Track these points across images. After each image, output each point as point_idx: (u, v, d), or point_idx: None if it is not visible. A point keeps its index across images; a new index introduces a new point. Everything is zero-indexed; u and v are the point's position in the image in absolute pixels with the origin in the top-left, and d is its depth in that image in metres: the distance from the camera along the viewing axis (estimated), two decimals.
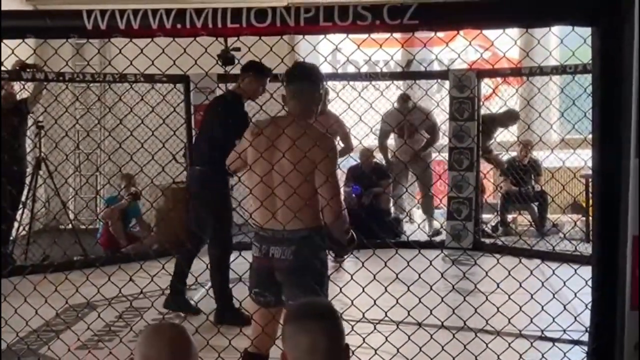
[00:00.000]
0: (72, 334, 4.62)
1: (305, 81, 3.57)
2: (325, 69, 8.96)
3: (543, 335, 4.28)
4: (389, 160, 8.99)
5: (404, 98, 8.66)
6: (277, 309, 3.54)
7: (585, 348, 3.08)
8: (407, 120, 8.24)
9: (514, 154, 8.98)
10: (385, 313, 4.05)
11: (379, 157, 9.09)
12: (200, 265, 6.17)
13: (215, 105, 5.98)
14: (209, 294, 5.19)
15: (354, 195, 8.73)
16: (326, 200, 3.38)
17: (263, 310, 3.57)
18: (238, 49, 7.21)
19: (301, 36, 3.79)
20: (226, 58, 7.70)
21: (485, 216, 9.05)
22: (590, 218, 7.62)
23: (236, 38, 4.16)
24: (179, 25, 2.89)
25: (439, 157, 8.77)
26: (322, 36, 3.17)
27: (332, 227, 3.49)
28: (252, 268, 3.56)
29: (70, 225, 8.15)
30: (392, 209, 9.01)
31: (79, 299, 4.63)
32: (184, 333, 2.18)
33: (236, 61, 7.51)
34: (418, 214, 9.60)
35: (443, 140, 8.80)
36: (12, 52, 3.33)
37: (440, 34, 3.71)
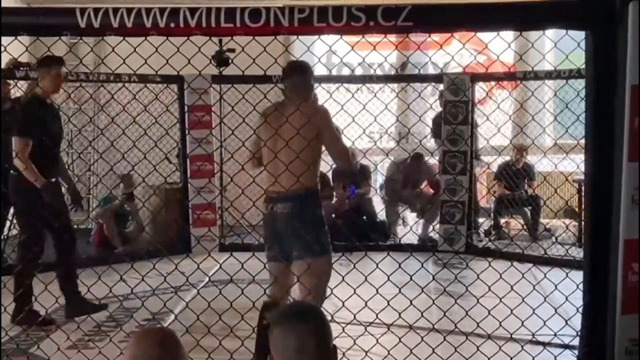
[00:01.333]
0: (62, 334, 4.60)
1: (296, 74, 4.26)
2: (319, 70, 8.97)
3: (534, 339, 4.28)
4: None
5: (417, 157, 8.73)
6: (286, 265, 4.11)
7: (576, 352, 3.08)
8: (415, 177, 8.38)
9: (507, 158, 8.98)
10: (376, 315, 4.05)
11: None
12: (192, 267, 6.16)
13: (14, 110, 6.18)
14: (200, 295, 5.16)
15: (352, 196, 8.75)
16: (337, 153, 4.26)
17: (275, 264, 4.14)
18: (232, 50, 7.20)
19: (295, 37, 3.79)
20: (220, 59, 7.70)
21: (478, 220, 9.05)
22: (583, 222, 7.63)
23: (230, 38, 4.15)
24: (172, 24, 2.88)
25: (432, 160, 8.79)
26: (316, 37, 3.17)
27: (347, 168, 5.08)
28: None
29: None
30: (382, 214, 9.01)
31: None
32: (173, 335, 2.18)
33: (230, 62, 7.52)
34: (411, 217, 9.59)
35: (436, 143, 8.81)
36: (4, 50, 3.31)
37: (435, 37, 3.71)
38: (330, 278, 4.13)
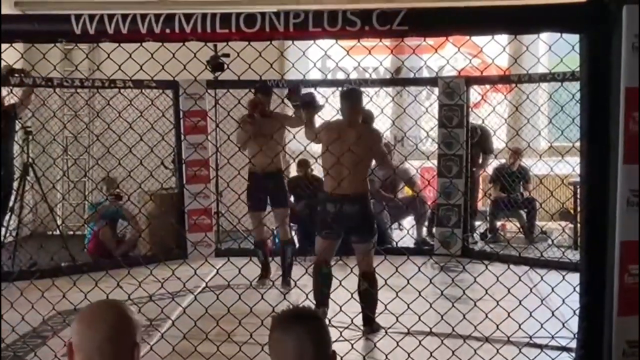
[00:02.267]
0: (59, 341, 4.58)
1: (350, 99, 5.37)
2: (314, 75, 8.98)
3: (531, 342, 4.28)
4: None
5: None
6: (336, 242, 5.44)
7: (573, 354, 3.08)
8: (389, 179, 8.39)
9: (503, 161, 8.99)
10: (374, 319, 4.05)
11: None
12: (188, 272, 6.15)
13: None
14: (197, 300, 5.17)
15: None
16: (383, 166, 5.87)
17: (329, 242, 5.40)
18: (227, 55, 7.20)
19: (290, 42, 3.79)
20: (215, 64, 7.70)
21: (475, 223, 9.06)
22: (579, 225, 7.63)
23: (225, 44, 4.15)
24: (167, 30, 2.88)
25: (428, 163, 8.79)
26: (311, 42, 3.17)
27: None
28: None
29: (57, 231, 8.10)
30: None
31: (66, 305, 4.60)
32: (123, 310, 2.11)
33: (226, 67, 7.52)
34: (407, 221, 9.59)
35: (432, 147, 8.82)
36: (0, 56, 3.31)
37: (430, 41, 3.72)
38: None
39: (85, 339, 2.03)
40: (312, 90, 6.08)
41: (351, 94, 5.47)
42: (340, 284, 3.81)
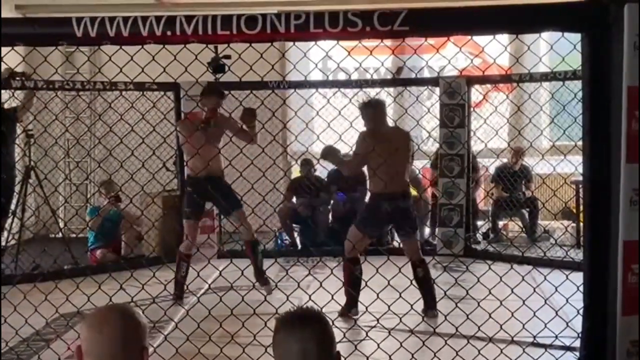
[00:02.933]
0: (62, 343, 4.59)
1: (380, 108, 5.77)
2: (315, 76, 8.98)
3: (535, 342, 4.27)
4: None
5: None
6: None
7: (577, 354, 3.07)
8: None
9: (505, 160, 8.98)
10: (377, 320, 4.05)
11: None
12: (191, 274, 6.15)
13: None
14: (201, 302, 5.17)
15: (340, 203, 8.76)
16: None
17: (367, 239, 5.86)
18: (228, 57, 7.20)
19: (292, 43, 3.80)
20: (217, 66, 7.69)
21: (477, 223, 9.05)
22: (581, 224, 7.62)
23: (226, 46, 4.16)
24: (169, 32, 2.88)
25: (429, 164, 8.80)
26: (312, 43, 3.17)
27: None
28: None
29: (60, 234, 8.10)
30: None
31: (70, 307, 4.60)
32: (132, 314, 2.13)
33: (226, 69, 7.51)
34: None
35: (433, 147, 8.81)
36: (1, 60, 3.32)
37: (431, 41, 3.72)
38: None
39: (95, 344, 2.04)
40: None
41: (379, 103, 5.83)
42: (344, 285, 3.81)
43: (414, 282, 3.88)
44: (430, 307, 5.44)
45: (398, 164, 5.49)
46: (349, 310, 5.47)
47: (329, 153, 5.82)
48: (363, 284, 3.92)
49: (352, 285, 5.57)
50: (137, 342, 2.08)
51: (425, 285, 5.51)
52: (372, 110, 5.69)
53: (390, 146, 5.43)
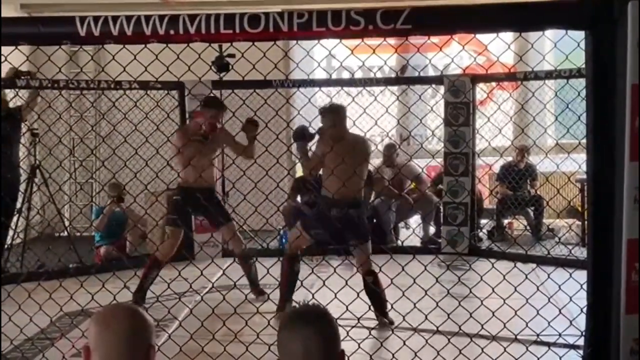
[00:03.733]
0: (67, 342, 4.60)
1: (340, 114, 5.68)
2: (319, 74, 8.98)
3: (538, 340, 4.27)
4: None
5: (389, 147, 8.78)
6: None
7: (581, 352, 3.07)
8: (395, 177, 8.42)
9: (509, 159, 8.97)
10: (386, 311, 4.05)
11: None
12: (195, 273, 6.14)
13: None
14: (204, 301, 5.18)
15: None
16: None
17: (311, 241, 5.77)
18: (232, 55, 7.21)
19: (295, 42, 3.81)
20: (221, 64, 7.71)
21: (481, 221, 9.04)
22: (586, 222, 7.61)
23: (230, 44, 4.16)
24: (172, 31, 2.88)
25: (434, 162, 8.79)
26: (315, 42, 3.17)
27: None
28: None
29: (65, 233, 8.12)
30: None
31: (74, 306, 4.62)
32: (139, 313, 2.14)
33: (230, 68, 7.52)
34: (413, 219, 9.59)
35: (438, 145, 8.81)
36: (5, 59, 3.32)
37: (435, 39, 3.72)
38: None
39: (102, 342, 2.06)
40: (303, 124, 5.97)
41: (340, 108, 5.73)
42: (347, 283, 3.81)
43: (416, 280, 3.88)
44: (382, 315, 5.38)
45: (352, 171, 5.34)
46: (284, 307, 5.44)
47: (299, 137, 5.70)
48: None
49: (288, 283, 5.58)
50: (144, 341, 2.09)
51: (375, 295, 5.39)
52: (333, 116, 5.61)
53: (348, 152, 5.37)
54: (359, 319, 5.12)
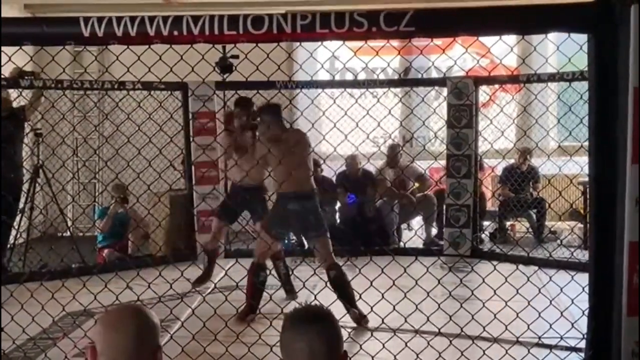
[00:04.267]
0: (69, 342, 4.61)
1: (278, 113, 5.78)
2: (322, 76, 8.99)
3: (540, 342, 4.27)
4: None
5: (393, 148, 8.83)
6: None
7: (583, 355, 3.08)
8: (398, 178, 8.43)
9: (512, 161, 8.97)
10: (382, 320, 4.06)
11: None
12: (198, 273, 6.17)
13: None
14: (206, 302, 5.19)
15: (350, 204, 8.77)
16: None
17: (273, 240, 5.67)
18: (236, 57, 7.22)
19: (298, 43, 3.83)
20: (224, 65, 7.71)
21: (484, 223, 9.04)
22: (588, 224, 7.61)
23: (233, 46, 4.18)
24: (175, 32, 2.89)
25: (437, 164, 8.79)
26: (319, 43, 3.18)
27: None
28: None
29: (68, 233, 8.13)
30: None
31: (76, 306, 4.62)
32: (146, 314, 2.14)
33: (234, 69, 7.53)
34: (415, 220, 9.58)
35: (441, 147, 8.81)
36: (9, 59, 3.34)
37: (438, 41, 3.73)
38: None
39: (109, 343, 2.06)
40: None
41: (275, 106, 5.84)
42: (372, 284, 3.81)
43: (418, 282, 3.88)
44: (352, 307, 5.30)
45: (295, 164, 5.38)
46: (246, 315, 5.27)
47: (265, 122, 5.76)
48: (367, 283, 3.92)
49: (254, 291, 5.49)
50: (150, 342, 2.09)
51: (339, 289, 5.34)
52: (269, 116, 5.70)
53: (286, 147, 5.43)
54: (361, 320, 5.12)
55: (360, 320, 5.20)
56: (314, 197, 5.62)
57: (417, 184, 9.01)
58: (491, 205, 9.50)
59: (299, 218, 5.55)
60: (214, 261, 6.72)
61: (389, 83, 9.06)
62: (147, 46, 3.04)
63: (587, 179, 3.16)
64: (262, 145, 5.61)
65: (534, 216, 8.96)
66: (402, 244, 8.52)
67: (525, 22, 2.98)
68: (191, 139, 8.14)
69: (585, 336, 3.00)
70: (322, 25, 2.85)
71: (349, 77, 9.64)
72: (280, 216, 5.62)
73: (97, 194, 9.98)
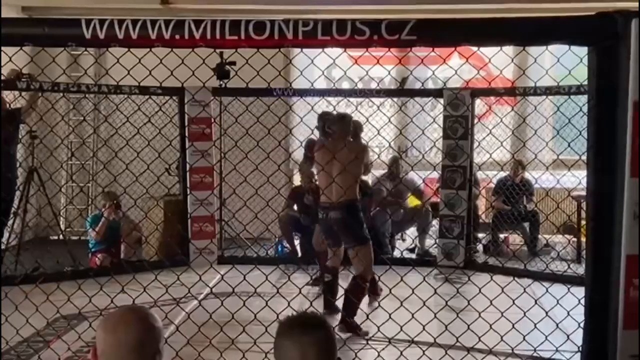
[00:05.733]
0: (62, 344, 4.59)
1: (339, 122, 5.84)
2: (320, 84, 9.00)
3: (535, 354, 4.27)
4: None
5: (395, 160, 8.86)
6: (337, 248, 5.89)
7: None
8: (396, 189, 8.46)
9: (505, 173, 8.96)
10: (378, 328, 4.05)
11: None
12: (193, 279, 6.15)
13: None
14: (202, 307, 5.17)
15: None
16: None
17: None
18: (233, 63, 7.22)
19: (298, 50, 3.85)
20: (221, 72, 7.72)
21: (478, 235, 9.04)
22: (583, 239, 7.61)
23: (232, 52, 4.18)
24: (177, 36, 2.88)
25: (433, 174, 8.80)
26: (319, 51, 3.18)
27: None
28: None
29: (60, 236, 8.10)
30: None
31: (71, 308, 4.61)
32: (148, 317, 2.15)
33: (232, 75, 7.54)
34: (410, 231, 9.58)
35: (437, 158, 8.82)
36: (10, 60, 3.33)
37: (435, 52, 3.74)
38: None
39: (111, 346, 2.06)
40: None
41: (346, 117, 5.85)
42: (346, 293, 3.80)
43: (415, 291, 3.87)
44: (349, 317, 5.32)
45: (336, 176, 5.44)
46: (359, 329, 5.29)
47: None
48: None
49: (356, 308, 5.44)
50: (152, 345, 2.09)
51: (348, 298, 5.34)
52: (341, 125, 5.76)
53: (331, 158, 5.43)
54: (358, 329, 5.11)
55: (354, 329, 5.19)
56: (342, 209, 5.62)
57: (412, 196, 9.03)
58: (485, 217, 9.50)
59: (334, 227, 5.71)
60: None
61: (387, 93, 9.08)
62: (145, 50, 3.03)
63: (582, 193, 3.16)
64: (320, 154, 5.76)
65: (528, 229, 8.96)
66: (400, 253, 8.53)
67: (527, 34, 2.99)
68: (187, 144, 8.13)
69: (580, 349, 2.99)
70: (323, 32, 2.85)
71: (346, 85, 9.65)
72: (321, 225, 5.95)
73: (92, 197, 9.94)
